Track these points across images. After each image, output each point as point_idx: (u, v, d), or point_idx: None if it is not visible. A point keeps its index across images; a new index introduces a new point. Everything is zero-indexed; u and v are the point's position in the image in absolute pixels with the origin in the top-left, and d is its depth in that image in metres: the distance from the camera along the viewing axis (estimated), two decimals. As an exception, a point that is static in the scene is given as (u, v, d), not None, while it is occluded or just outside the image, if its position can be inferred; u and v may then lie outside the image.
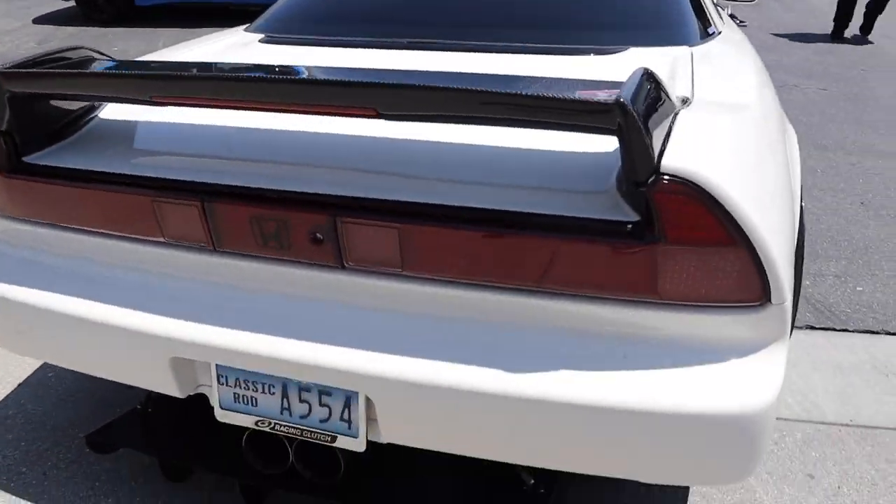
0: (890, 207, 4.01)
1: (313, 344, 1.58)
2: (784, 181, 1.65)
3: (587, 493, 2.03)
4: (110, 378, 1.88)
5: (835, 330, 2.78)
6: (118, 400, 2.45)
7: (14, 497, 2.13)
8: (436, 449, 1.61)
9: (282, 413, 1.73)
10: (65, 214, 1.80)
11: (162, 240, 1.74)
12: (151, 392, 2.07)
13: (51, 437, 2.37)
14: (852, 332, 2.74)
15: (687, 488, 2.11)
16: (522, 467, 1.79)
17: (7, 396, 2.58)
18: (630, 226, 1.34)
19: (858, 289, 3.12)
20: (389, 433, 1.61)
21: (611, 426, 1.39)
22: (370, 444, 1.66)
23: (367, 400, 1.58)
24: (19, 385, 2.66)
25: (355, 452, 1.84)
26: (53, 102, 1.81)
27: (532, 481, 1.77)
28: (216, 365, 1.74)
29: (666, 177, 1.29)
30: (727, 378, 1.40)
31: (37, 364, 2.76)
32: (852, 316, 2.87)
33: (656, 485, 2.04)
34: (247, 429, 1.83)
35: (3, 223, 1.95)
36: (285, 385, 1.70)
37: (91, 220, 1.77)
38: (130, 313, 1.74)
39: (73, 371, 2.04)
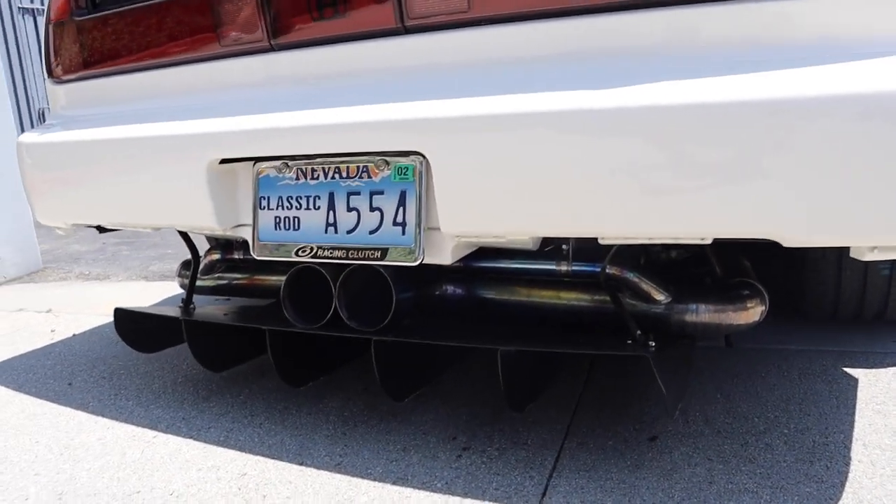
0: None
1: (370, 107, 1.34)
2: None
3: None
4: (148, 223, 1.68)
5: None
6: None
7: (34, 398, 1.91)
8: (508, 234, 1.27)
9: (326, 231, 1.47)
10: (128, 50, 1.72)
11: (218, 50, 1.60)
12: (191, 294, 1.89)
13: (88, 363, 2.16)
14: None
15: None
16: (630, 315, 1.38)
17: (59, 341, 2.42)
18: None
19: None
20: (450, 220, 1.29)
21: (741, 129, 1.03)
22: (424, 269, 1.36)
23: (426, 178, 1.33)
24: (74, 335, 2.49)
25: (405, 297, 1.53)
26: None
27: (639, 332, 1.35)
28: (259, 179, 1.52)
29: None
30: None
31: (96, 324, 2.60)
32: None
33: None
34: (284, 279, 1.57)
35: (68, 88, 1.89)
36: (332, 194, 1.46)
37: (152, 48, 1.68)
38: (172, 125, 1.57)
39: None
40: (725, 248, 1.69)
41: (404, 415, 1.63)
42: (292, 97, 1.51)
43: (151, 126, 1.61)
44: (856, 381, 1.67)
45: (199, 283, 2.03)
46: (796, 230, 1.07)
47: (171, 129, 1.56)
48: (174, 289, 3.11)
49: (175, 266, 3.71)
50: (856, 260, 1.82)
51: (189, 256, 2.00)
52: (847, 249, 1.66)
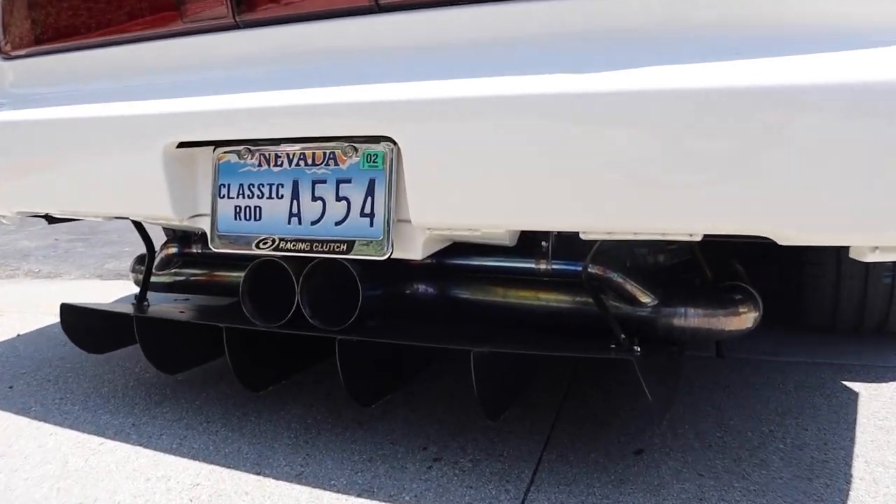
0: None
1: (339, 89, 1.32)
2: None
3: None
4: (100, 212, 1.64)
5: None
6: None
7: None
8: (483, 227, 1.24)
9: (289, 222, 1.43)
10: (83, 25, 1.68)
11: (180, 27, 1.56)
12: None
13: (33, 365, 2.11)
14: None
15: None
16: (614, 317, 1.36)
17: (2, 342, 2.38)
18: None
19: None
20: (422, 211, 1.26)
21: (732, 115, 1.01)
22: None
23: (397, 166, 1.30)
24: (18, 335, 2.44)
25: (373, 295, 1.50)
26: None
27: (623, 336, 1.33)
28: (219, 165, 1.48)
29: None
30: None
31: (43, 323, 2.59)
32: None
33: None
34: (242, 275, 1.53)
35: (17, 65, 1.85)
36: (296, 182, 1.43)
37: (109, 23, 1.64)
38: (127, 105, 1.54)
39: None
40: (716, 252, 1.68)
41: (371, 423, 1.60)
42: (258, 77, 1.47)
43: (105, 106, 1.57)
44: (856, 395, 1.66)
45: (154, 278, 1.98)
46: (792, 227, 1.05)
47: (127, 110, 1.52)
48: (130, 288, 3.06)
49: (133, 265, 3.66)
50: (856, 267, 1.81)
51: (144, 250, 1.96)
52: (847, 252, 1.65)
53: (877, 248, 1.08)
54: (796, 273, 1.93)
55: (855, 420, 1.53)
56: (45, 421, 1.70)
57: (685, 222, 1.08)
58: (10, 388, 1.93)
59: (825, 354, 1.92)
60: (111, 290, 3.10)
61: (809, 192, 1.00)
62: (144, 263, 1.96)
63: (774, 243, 1.08)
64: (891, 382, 1.72)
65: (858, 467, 1.34)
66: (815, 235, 1.05)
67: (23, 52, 1.84)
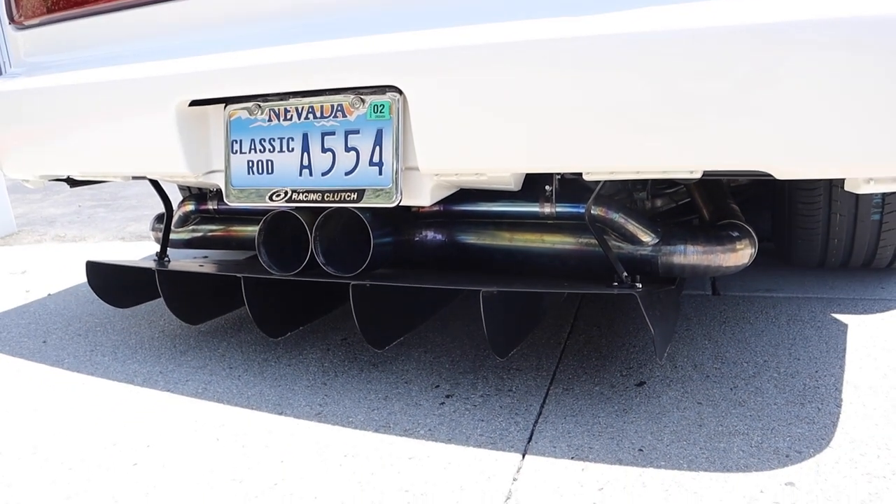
0: None
1: (344, 41, 1.28)
2: None
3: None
4: (118, 172, 1.61)
5: None
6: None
7: (8, 356, 1.86)
8: (488, 171, 1.22)
9: (301, 174, 1.40)
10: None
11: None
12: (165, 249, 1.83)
13: (63, 321, 2.10)
14: None
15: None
16: (616, 256, 1.34)
17: (34, 301, 2.35)
18: None
19: None
20: (429, 157, 1.23)
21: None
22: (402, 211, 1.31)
23: (404, 115, 1.27)
24: (49, 295, 2.43)
25: (384, 242, 1.48)
26: None
27: (626, 274, 1.31)
28: (230, 122, 1.45)
29: None
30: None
31: (71, 283, 2.57)
32: None
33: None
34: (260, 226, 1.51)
35: (30, 34, 1.80)
36: (306, 135, 1.40)
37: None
38: (138, 66, 1.49)
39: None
40: (713, 193, 1.65)
41: (385, 364, 1.59)
42: (264, 34, 1.44)
43: (117, 69, 1.54)
44: (845, 326, 1.65)
45: (173, 235, 1.96)
46: (789, 160, 1.02)
47: (138, 72, 1.49)
48: (151, 248, 3.05)
49: (154, 227, 3.63)
50: (846, 205, 1.78)
51: (163, 210, 1.93)
52: (838, 196, 1.62)
53: (871, 179, 1.05)
54: (788, 213, 1.90)
55: (844, 349, 1.52)
56: (78, 371, 1.70)
57: (686, 159, 1.06)
58: (44, 342, 1.93)
59: (815, 289, 1.91)
60: (134, 250, 3.09)
61: (806, 126, 0.97)
62: (163, 221, 1.93)
63: (772, 179, 1.05)
64: (877, 314, 1.71)
65: (848, 392, 1.33)
66: (811, 169, 1.03)
67: (35, 21, 1.79)
